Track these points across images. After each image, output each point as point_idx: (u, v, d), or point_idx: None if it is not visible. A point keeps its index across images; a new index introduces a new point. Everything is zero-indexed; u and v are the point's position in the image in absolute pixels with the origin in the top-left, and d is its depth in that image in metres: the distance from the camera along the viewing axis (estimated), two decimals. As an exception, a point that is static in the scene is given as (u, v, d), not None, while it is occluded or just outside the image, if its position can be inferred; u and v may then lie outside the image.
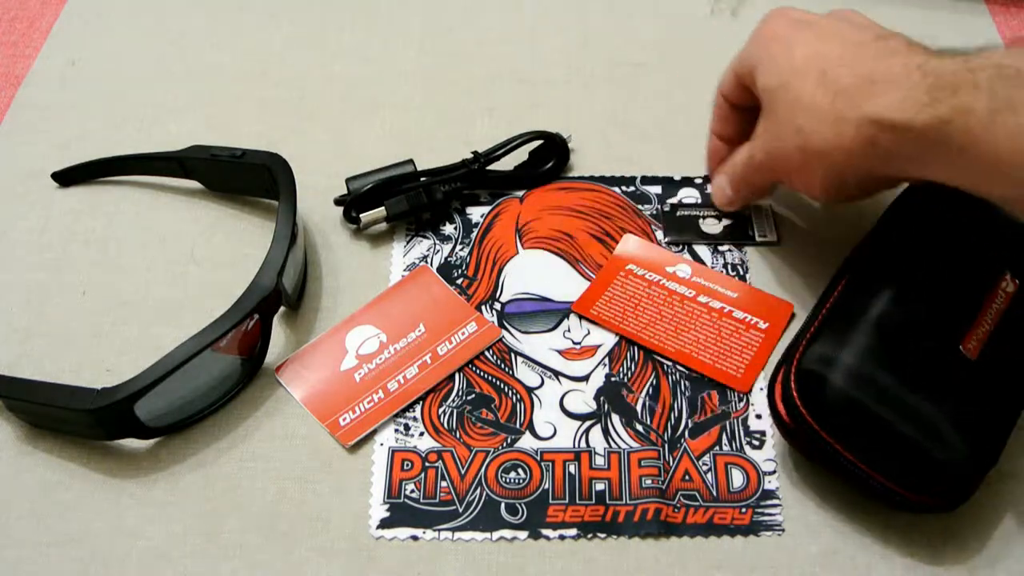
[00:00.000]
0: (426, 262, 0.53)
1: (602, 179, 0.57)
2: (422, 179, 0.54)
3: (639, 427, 0.47)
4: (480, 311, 0.51)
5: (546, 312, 0.51)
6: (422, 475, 0.45)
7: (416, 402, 0.48)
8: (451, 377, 0.49)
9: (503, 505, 0.45)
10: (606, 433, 0.47)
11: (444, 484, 0.45)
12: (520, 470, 0.46)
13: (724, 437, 0.46)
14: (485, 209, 0.55)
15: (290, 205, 0.49)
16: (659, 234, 0.54)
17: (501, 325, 0.50)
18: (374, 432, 0.47)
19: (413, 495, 0.45)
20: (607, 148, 0.58)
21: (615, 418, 0.47)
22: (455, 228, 0.55)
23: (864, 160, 0.42)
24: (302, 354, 0.49)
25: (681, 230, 0.54)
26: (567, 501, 0.45)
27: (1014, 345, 0.44)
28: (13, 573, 0.43)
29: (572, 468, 0.46)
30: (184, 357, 0.44)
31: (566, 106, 0.60)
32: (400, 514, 0.44)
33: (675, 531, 0.44)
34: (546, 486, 0.45)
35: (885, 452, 0.41)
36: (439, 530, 0.44)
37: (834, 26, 0.45)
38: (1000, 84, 0.36)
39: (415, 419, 0.47)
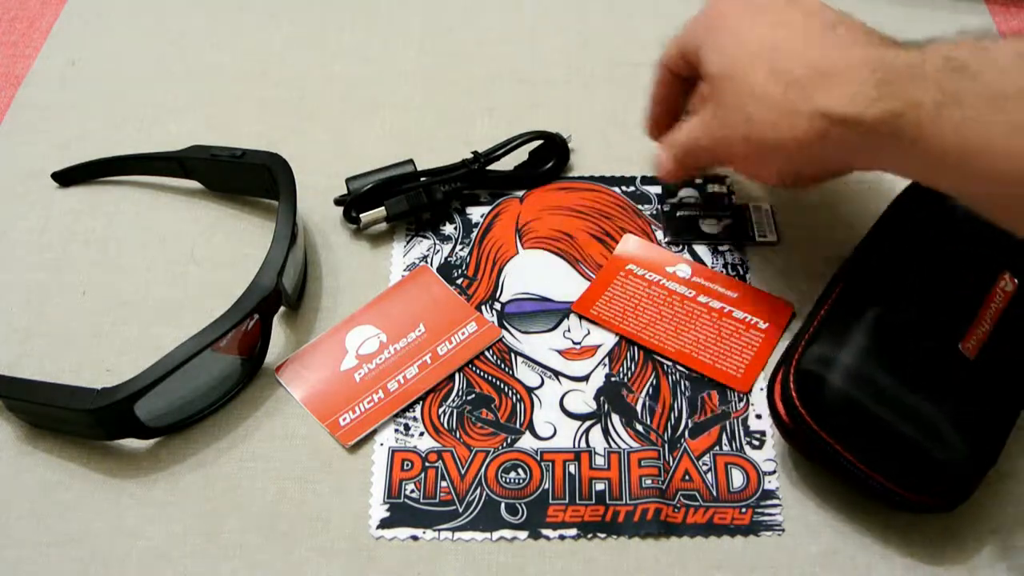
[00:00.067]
0: (426, 262, 0.53)
1: (602, 179, 0.57)
2: (422, 179, 0.54)
3: (639, 427, 0.47)
4: (480, 311, 0.51)
5: (546, 312, 0.51)
6: (422, 475, 0.45)
7: (416, 402, 0.48)
8: (451, 377, 0.49)
9: (503, 505, 0.45)
10: (606, 433, 0.47)
11: (444, 484, 0.45)
12: (520, 470, 0.46)
13: (724, 437, 0.46)
14: (485, 209, 0.55)
15: (290, 205, 0.49)
16: (659, 234, 0.54)
17: (501, 325, 0.50)
18: (374, 432, 0.47)
19: (413, 495, 0.45)
20: (607, 148, 0.58)
21: (615, 418, 0.47)
22: (455, 228, 0.55)
23: (816, 151, 0.42)
24: (302, 354, 0.49)
25: (681, 230, 0.54)
26: (567, 501, 0.45)
27: (1013, 345, 0.44)
28: (13, 573, 0.43)
29: (572, 468, 0.46)
30: (184, 357, 0.44)
31: (566, 106, 0.60)
32: (400, 514, 0.44)
33: (675, 531, 0.44)
34: (546, 486, 0.45)
35: (884, 452, 0.41)
36: (439, 530, 0.44)
37: (783, 11, 0.45)
38: (947, 78, 0.36)
39: (415, 419, 0.47)
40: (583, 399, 0.48)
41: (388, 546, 0.44)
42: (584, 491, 0.45)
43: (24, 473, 0.46)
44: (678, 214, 0.55)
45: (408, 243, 0.54)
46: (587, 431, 0.47)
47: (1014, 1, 0.66)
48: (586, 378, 0.49)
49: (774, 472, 0.45)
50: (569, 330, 0.50)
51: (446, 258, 0.53)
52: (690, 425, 0.47)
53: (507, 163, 0.56)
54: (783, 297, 0.51)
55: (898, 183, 0.50)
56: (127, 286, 0.52)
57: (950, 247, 0.46)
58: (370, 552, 0.43)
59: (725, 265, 0.53)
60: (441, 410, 0.48)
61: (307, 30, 0.65)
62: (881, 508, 0.43)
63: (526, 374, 0.49)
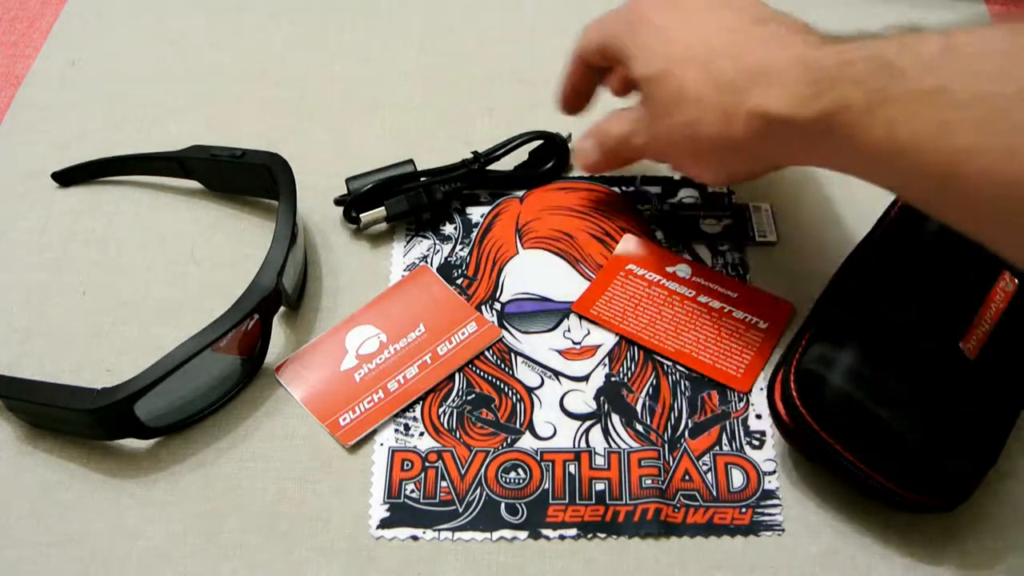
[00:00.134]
0: (426, 262, 0.53)
1: (602, 179, 0.57)
2: (422, 179, 0.54)
3: (639, 427, 0.47)
4: (480, 311, 0.51)
5: (546, 312, 0.51)
6: (422, 475, 0.45)
7: (416, 402, 0.48)
8: (451, 377, 0.49)
9: (503, 505, 0.45)
10: (606, 433, 0.47)
11: (444, 484, 0.45)
12: (520, 470, 0.46)
13: (724, 437, 0.46)
14: (485, 209, 0.55)
15: (290, 205, 0.49)
16: (659, 234, 0.54)
17: (501, 325, 0.50)
18: (374, 432, 0.47)
19: (413, 495, 0.45)
20: (607, 148, 0.58)
21: (615, 418, 0.47)
22: (455, 228, 0.55)
23: (755, 151, 0.42)
24: (302, 354, 0.49)
25: (681, 230, 0.54)
26: (567, 501, 0.45)
27: (1014, 344, 0.44)
28: (13, 573, 0.43)
29: (572, 468, 0.46)
30: (184, 357, 0.44)
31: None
32: (400, 514, 0.44)
33: (675, 531, 0.44)
34: (546, 486, 0.45)
35: (884, 452, 0.41)
36: (439, 530, 0.44)
37: (709, 8, 0.45)
38: (875, 76, 0.36)
39: (415, 419, 0.47)
40: (583, 399, 0.48)
41: (388, 546, 0.44)
42: (584, 491, 0.45)
43: (24, 473, 0.46)
44: (678, 214, 0.55)
45: (408, 243, 0.54)
46: (587, 431, 0.47)
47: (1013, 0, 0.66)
48: (586, 378, 0.49)
49: (774, 472, 0.45)
50: (569, 330, 0.50)
51: (446, 258, 0.53)
52: (690, 425, 0.47)
53: (507, 163, 0.56)
54: (783, 297, 0.51)
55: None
56: (127, 286, 0.52)
57: (950, 247, 0.46)
58: (370, 552, 0.43)
59: (725, 265, 0.53)
60: (441, 410, 0.48)
61: (307, 30, 0.65)
62: (881, 508, 0.43)
63: (526, 374, 0.49)
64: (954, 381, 0.43)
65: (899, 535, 0.43)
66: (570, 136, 0.57)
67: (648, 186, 0.56)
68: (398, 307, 0.51)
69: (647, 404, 0.48)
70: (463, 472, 0.46)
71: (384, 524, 0.44)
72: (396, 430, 0.47)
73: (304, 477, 0.46)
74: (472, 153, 0.55)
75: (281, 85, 0.62)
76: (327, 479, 0.46)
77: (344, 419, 0.47)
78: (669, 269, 0.52)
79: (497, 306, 0.51)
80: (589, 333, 0.50)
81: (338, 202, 0.55)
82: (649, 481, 0.45)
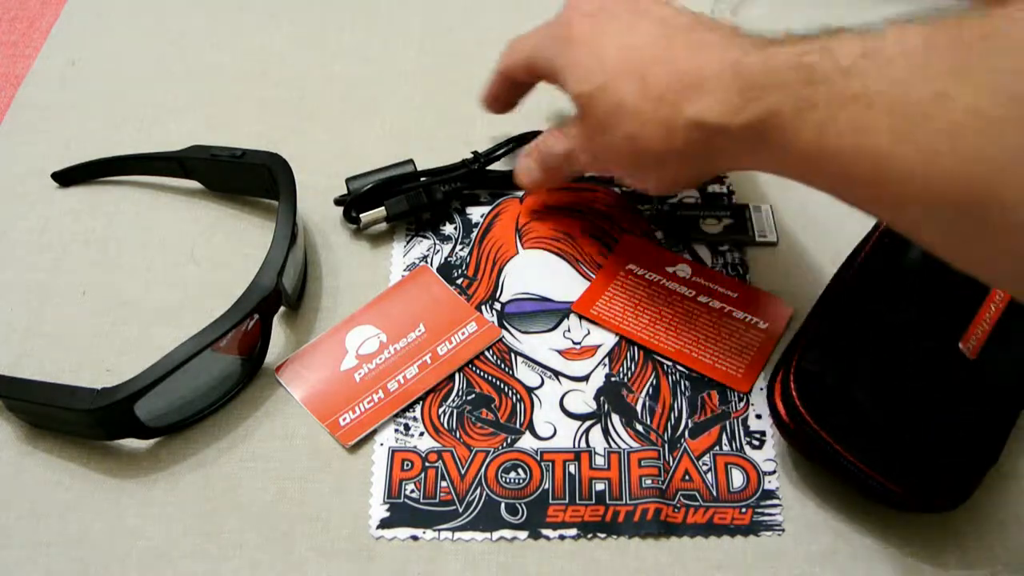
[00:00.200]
0: (426, 262, 0.53)
1: (602, 179, 0.56)
2: (422, 179, 0.54)
3: (639, 427, 0.47)
4: (480, 311, 0.51)
5: (546, 312, 0.51)
6: (422, 475, 0.45)
7: (416, 402, 0.48)
8: (451, 377, 0.49)
9: (503, 505, 0.45)
10: (606, 433, 0.47)
11: (444, 484, 0.45)
12: (520, 470, 0.46)
13: (724, 437, 0.46)
14: (485, 209, 0.55)
15: (290, 205, 0.49)
16: (659, 234, 0.54)
17: (501, 325, 0.50)
18: (374, 432, 0.47)
19: (413, 495, 0.45)
20: (607, 148, 0.58)
21: (615, 418, 0.47)
22: (455, 228, 0.55)
23: (698, 159, 0.42)
24: (302, 354, 0.49)
25: (681, 230, 0.54)
26: (567, 501, 0.45)
27: (1014, 345, 0.44)
28: (13, 573, 0.43)
29: (572, 468, 0.46)
30: (184, 357, 0.44)
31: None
32: (400, 514, 0.44)
33: (675, 531, 0.44)
34: (546, 486, 0.45)
35: (885, 452, 0.41)
36: (439, 530, 0.44)
37: (636, 21, 0.44)
38: (800, 82, 0.36)
39: (415, 419, 0.47)
40: (583, 399, 0.48)
41: (388, 546, 0.44)
42: (584, 491, 0.45)
43: (24, 473, 0.46)
44: (678, 214, 0.55)
45: (408, 243, 0.54)
46: (587, 431, 0.47)
47: (1012, 0, 0.65)
48: (586, 378, 0.49)
49: (774, 472, 0.45)
50: (569, 330, 0.50)
51: (446, 258, 0.53)
52: (690, 425, 0.47)
53: (507, 163, 0.56)
54: (783, 297, 0.51)
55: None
56: (127, 286, 0.52)
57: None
58: (370, 552, 0.43)
59: (725, 265, 0.53)
60: (441, 410, 0.48)
61: (307, 30, 0.65)
62: (881, 508, 0.43)
63: (526, 374, 0.49)
64: (954, 381, 0.43)
65: (899, 535, 0.43)
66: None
67: (648, 186, 0.56)
68: (398, 307, 0.51)
69: (647, 404, 0.48)
70: (463, 472, 0.46)
71: (384, 524, 0.44)
72: (396, 430, 0.47)
73: (304, 477, 0.46)
74: (472, 153, 0.55)
75: (281, 85, 0.62)
76: (327, 479, 0.46)
77: (344, 419, 0.47)
78: (669, 269, 0.52)
79: (497, 306, 0.51)
80: (589, 333, 0.50)
81: (338, 202, 0.55)
82: (649, 481, 0.45)
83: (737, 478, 0.45)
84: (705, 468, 0.45)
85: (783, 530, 0.44)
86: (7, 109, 0.61)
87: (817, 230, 0.54)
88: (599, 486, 0.45)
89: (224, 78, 0.62)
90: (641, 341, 0.49)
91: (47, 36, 0.65)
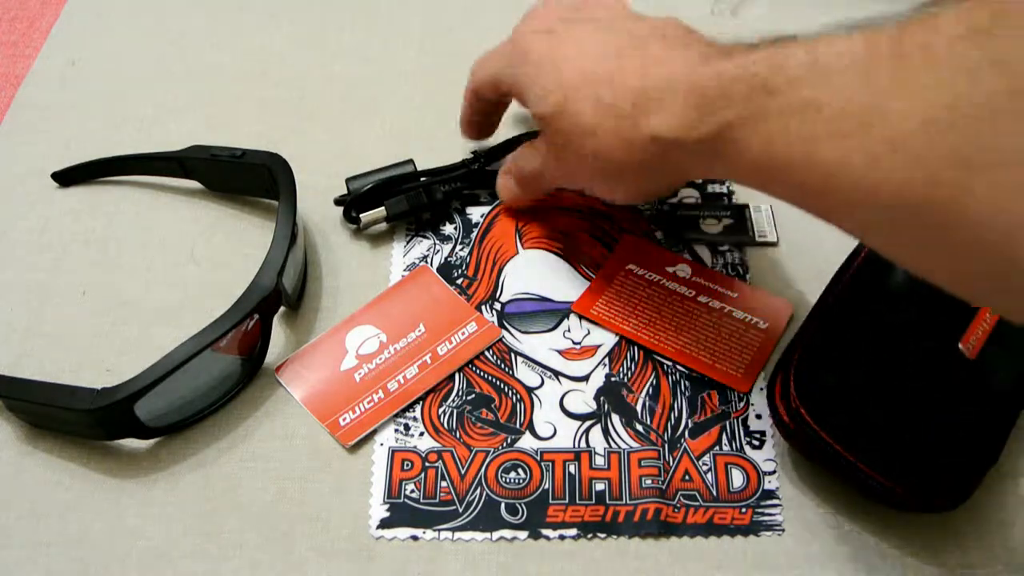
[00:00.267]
0: (426, 262, 0.53)
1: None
2: (422, 179, 0.54)
3: (639, 427, 0.47)
4: (480, 311, 0.51)
5: (546, 312, 0.51)
6: (422, 475, 0.45)
7: (416, 402, 0.48)
8: (451, 377, 0.49)
9: (503, 505, 0.45)
10: (606, 433, 0.47)
11: (444, 484, 0.45)
12: (520, 470, 0.46)
13: (724, 437, 0.46)
14: (485, 209, 0.55)
15: (290, 205, 0.49)
16: (659, 234, 0.54)
17: (501, 325, 0.50)
18: (374, 432, 0.47)
19: (413, 495, 0.45)
20: (607, 148, 0.58)
21: (615, 418, 0.47)
22: (455, 228, 0.55)
23: (661, 170, 0.43)
24: (302, 354, 0.49)
25: (681, 230, 0.54)
26: (567, 501, 0.45)
27: (1013, 344, 0.44)
28: (13, 573, 0.43)
29: (572, 468, 0.46)
30: (184, 357, 0.44)
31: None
32: (400, 514, 0.44)
33: (675, 531, 0.44)
34: (546, 486, 0.45)
35: (885, 452, 0.41)
36: (439, 530, 0.44)
37: (590, 36, 0.45)
38: (750, 94, 0.37)
39: (415, 419, 0.47)
40: (583, 399, 0.48)
41: (388, 546, 0.44)
42: (584, 491, 0.45)
43: (24, 473, 0.46)
44: (678, 214, 0.55)
45: (408, 243, 0.54)
46: (587, 431, 0.47)
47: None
48: (586, 378, 0.49)
49: (774, 472, 0.45)
50: (569, 330, 0.50)
51: (446, 258, 0.53)
52: (690, 425, 0.47)
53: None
54: (783, 297, 0.51)
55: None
56: (127, 286, 0.52)
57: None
58: (370, 552, 0.43)
59: (725, 265, 0.53)
60: (441, 410, 0.48)
61: (307, 30, 0.65)
62: (881, 508, 0.43)
63: (526, 374, 0.49)
64: (954, 381, 0.43)
65: (899, 535, 0.43)
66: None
67: (648, 186, 0.56)
68: (398, 307, 0.51)
69: (647, 404, 0.48)
70: (463, 472, 0.46)
71: (384, 524, 0.44)
72: (396, 430, 0.47)
73: (304, 477, 0.46)
74: (472, 153, 0.55)
75: (281, 85, 0.62)
76: (327, 479, 0.46)
77: (344, 419, 0.47)
78: (669, 269, 0.52)
79: (497, 306, 0.51)
80: (589, 333, 0.50)
81: (338, 202, 0.55)
82: (649, 481, 0.45)
83: (737, 478, 0.45)
84: (705, 468, 0.45)
85: (783, 530, 0.44)
86: (7, 109, 0.61)
87: (817, 230, 0.53)
88: (599, 486, 0.45)
89: (224, 78, 0.62)
90: (641, 341, 0.49)
91: (47, 36, 0.65)
